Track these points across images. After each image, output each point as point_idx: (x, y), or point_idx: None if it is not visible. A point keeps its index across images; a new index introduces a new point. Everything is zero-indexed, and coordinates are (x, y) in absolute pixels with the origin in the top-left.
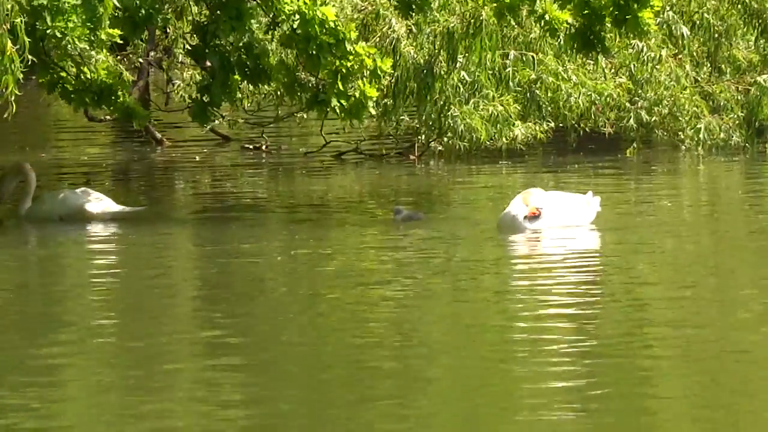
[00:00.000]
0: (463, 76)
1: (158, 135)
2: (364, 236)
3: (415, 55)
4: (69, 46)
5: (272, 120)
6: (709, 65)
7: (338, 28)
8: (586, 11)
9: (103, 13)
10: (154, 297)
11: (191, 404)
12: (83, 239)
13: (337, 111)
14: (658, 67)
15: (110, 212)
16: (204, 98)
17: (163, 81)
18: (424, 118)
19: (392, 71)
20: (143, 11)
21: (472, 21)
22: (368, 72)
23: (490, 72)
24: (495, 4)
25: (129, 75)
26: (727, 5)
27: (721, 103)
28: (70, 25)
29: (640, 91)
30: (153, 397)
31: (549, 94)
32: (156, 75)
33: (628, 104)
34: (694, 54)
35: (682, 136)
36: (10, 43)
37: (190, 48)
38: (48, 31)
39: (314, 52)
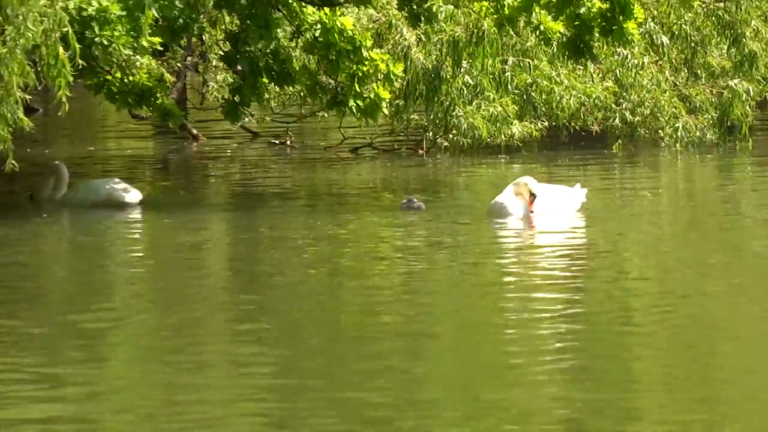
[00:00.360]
0: (466, 79)
1: (194, 131)
2: (376, 220)
3: (424, 61)
4: (114, 52)
5: (296, 118)
6: (686, 71)
7: (355, 36)
8: (576, 22)
9: (145, 23)
10: (187, 273)
11: (221, 366)
12: (121, 223)
13: (354, 110)
14: (640, 72)
15: (135, 199)
16: (235, 98)
17: (199, 83)
18: (431, 117)
19: (403, 75)
20: (181, 21)
21: (475, 31)
22: (382, 76)
23: (491, 76)
24: (495, 16)
25: (169, 77)
26: (703, 17)
27: (697, 105)
28: (116, 33)
29: (624, 94)
30: (187, 358)
31: (543, 96)
32: (192, 77)
33: (613, 105)
34: (673, 61)
35: (662, 134)
36: (62, 50)
37: (223, 54)
38: (95, 39)
39: (334, 58)
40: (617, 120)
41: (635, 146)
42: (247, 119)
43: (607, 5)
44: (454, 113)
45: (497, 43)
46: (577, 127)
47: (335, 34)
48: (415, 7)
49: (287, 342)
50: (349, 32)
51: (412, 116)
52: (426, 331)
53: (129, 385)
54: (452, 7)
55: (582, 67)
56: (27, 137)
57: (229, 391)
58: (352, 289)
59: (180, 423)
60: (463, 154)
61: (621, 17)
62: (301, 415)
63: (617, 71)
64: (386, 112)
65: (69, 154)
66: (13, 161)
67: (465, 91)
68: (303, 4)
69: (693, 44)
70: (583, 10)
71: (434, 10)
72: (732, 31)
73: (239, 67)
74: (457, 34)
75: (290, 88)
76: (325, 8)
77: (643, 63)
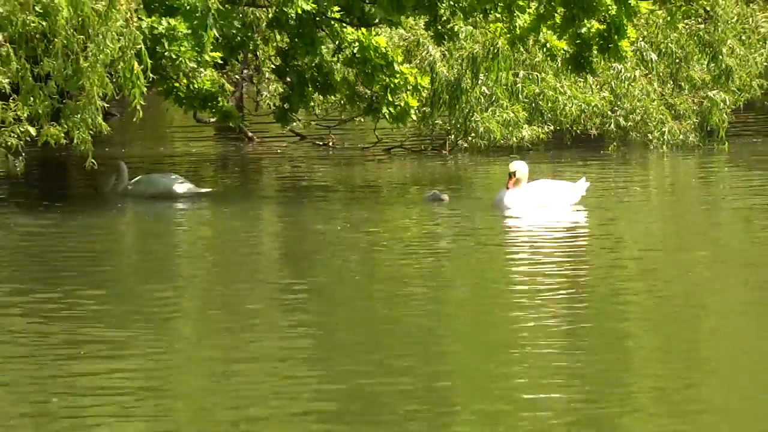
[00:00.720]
0: (483, 90)
1: (249, 133)
2: (405, 210)
3: (447, 74)
4: (181, 65)
5: (337, 123)
6: (671, 83)
7: (388, 52)
8: (578, 41)
9: (207, 40)
10: (241, 253)
11: (270, 333)
12: (185, 212)
13: (387, 116)
14: (632, 84)
15: (188, 191)
16: (285, 105)
17: (254, 92)
18: (453, 122)
19: (429, 86)
20: (238, 38)
21: (491, 48)
22: (411, 87)
23: (504, 87)
24: (508, 35)
25: (228, 86)
26: (686, 37)
27: (681, 112)
28: (182, 49)
29: (618, 102)
30: (239, 324)
31: (549, 104)
32: (248, 87)
33: (609, 112)
34: (660, 74)
35: (651, 137)
36: (136, 64)
37: (274, 67)
38: (165, 54)
39: (369, 71)
40: (612, 125)
41: (628, 147)
42: (294, 123)
43: (604, 26)
44: (472, 119)
45: (510, 59)
46: (578, 131)
47: (371, 51)
48: (439, 27)
49: (326, 310)
50: (383, 49)
51: (436, 121)
52: (447, 298)
53: (190, 347)
54: (471, 27)
55: (582, 80)
56: (105, 139)
57: (276, 353)
58: (384, 266)
59: (233, 379)
60: (480, 154)
61: (616, 37)
62: (336, 369)
63: (612, 83)
64: (414, 117)
65: (141, 153)
66: (93, 159)
67: (482, 100)
68: (343, 25)
69: (677, 60)
70: (583, 30)
71: (456, 30)
72: (711, 49)
73: (288, 79)
74: (475, 50)
75: (332, 96)
76: (362, 28)
77: (634, 76)
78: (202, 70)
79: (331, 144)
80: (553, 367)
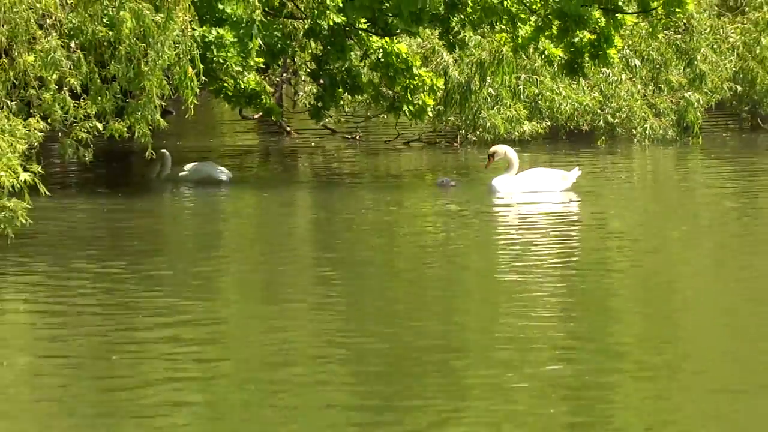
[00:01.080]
0: (489, 91)
1: (287, 128)
2: (421, 194)
3: (458, 77)
4: (228, 68)
5: (363, 119)
6: (652, 85)
7: (408, 58)
8: (571, 49)
9: (252, 48)
10: (279, 231)
11: (302, 301)
12: (229, 196)
13: (407, 113)
14: (619, 86)
15: (226, 177)
16: (318, 104)
17: (292, 92)
18: (464, 118)
19: (443, 87)
20: (279, 46)
21: (496, 55)
22: (427, 88)
23: (508, 88)
24: (511, 44)
25: (270, 87)
26: (665, 46)
27: (661, 111)
28: (229, 55)
29: (606, 102)
30: (275, 293)
31: (546, 103)
32: (287, 88)
33: (599, 110)
34: (643, 78)
35: (635, 132)
36: (190, 68)
37: (309, 71)
38: (214, 59)
39: (392, 74)
40: (601, 121)
41: (614, 141)
42: (327, 119)
43: (595, 36)
44: (480, 116)
45: (512, 64)
46: (571, 127)
47: (393, 57)
48: (451, 37)
49: (352, 277)
50: (403, 55)
51: (449, 118)
52: (454, 264)
53: (235, 314)
54: (479, 37)
55: (575, 82)
56: (163, 133)
57: (307, 317)
58: (402, 240)
59: (271, 338)
60: (487, 146)
61: (605, 45)
62: (359, 324)
63: (601, 85)
64: (430, 114)
65: (194, 145)
66: (152, 150)
67: (488, 99)
68: (369, 34)
69: (658, 65)
70: (576, 39)
71: (466, 39)
72: (687, 56)
73: (321, 81)
74: (482, 57)
75: (359, 96)
76: (385, 38)
77: (620, 79)
78: (246, 73)
79: (358, 137)
80: (545, 310)
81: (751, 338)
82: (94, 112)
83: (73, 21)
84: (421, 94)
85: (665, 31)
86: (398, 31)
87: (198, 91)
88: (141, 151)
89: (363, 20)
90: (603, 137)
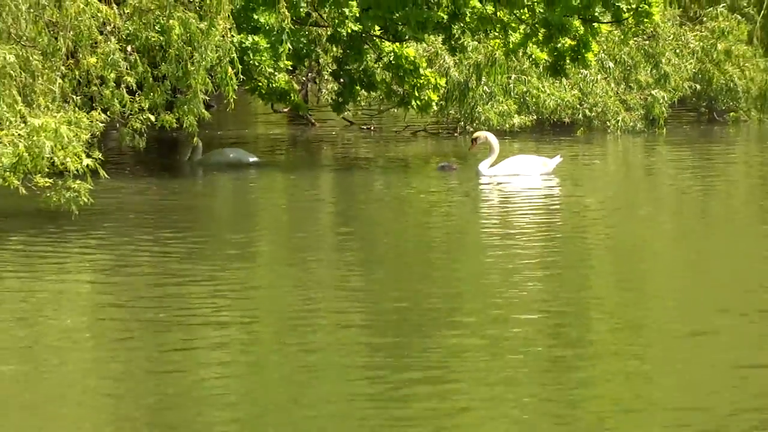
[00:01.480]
0: (484, 89)
1: (312, 120)
2: (425, 176)
3: (458, 77)
4: (262, 70)
5: (377, 112)
6: (624, 84)
7: (415, 60)
8: (555, 53)
9: (282, 52)
10: (303, 207)
11: (327, 263)
12: (259, 178)
13: (414, 107)
14: (595, 84)
15: (252, 161)
16: (339, 99)
17: (316, 89)
18: (462, 112)
19: (445, 86)
20: (305, 50)
21: (490, 57)
22: (432, 85)
23: (500, 86)
24: (503, 48)
25: (297, 86)
26: (635, 50)
27: (631, 106)
28: (263, 58)
29: (585, 98)
30: (302, 259)
31: (533, 99)
32: (311, 86)
33: (578, 105)
34: (616, 77)
35: (609, 124)
36: (229, 68)
37: (331, 71)
38: (250, 61)
39: (401, 74)
40: (580, 115)
41: (591, 132)
42: (346, 113)
43: (575, 42)
44: (476, 110)
45: (504, 66)
46: (554, 119)
47: (402, 59)
48: (452, 42)
49: (366, 246)
50: (411, 58)
51: (450, 111)
52: (452, 235)
53: (269, 284)
54: (476, 42)
55: (558, 81)
56: (206, 124)
57: (330, 278)
58: (409, 215)
59: (297, 298)
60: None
61: (584, 50)
62: (373, 285)
63: (580, 84)
64: (434, 108)
65: (233, 134)
66: (197, 138)
67: (483, 96)
68: (382, 40)
69: (628, 67)
70: (559, 45)
71: (465, 44)
72: (653, 59)
73: (341, 80)
74: (479, 59)
75: (373, 93)
76: (396, 43)
77: (597, 79)
78: (277, 73)
79: (372, 128)
80: (529, 273)
81: (705, 290)
82: (147, 106)
83: (130, 28)
84: (427, 91)
85: (635, 38)
86: (407, 37)
87: (236, 88)
88: (185, 139)
89: (377, 28)
90: (581, 128)
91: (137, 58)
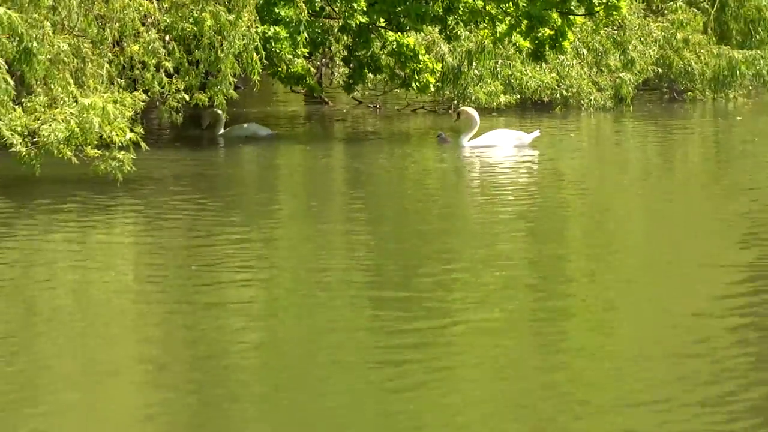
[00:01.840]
0: (475, 72)
1: (326, 99)
2: (424, 147)
3: (452, 62)
4: (282, 56)
5: (382, 92)
6: (596, 68)
7: (415, 48)
8: (536, 41)
9: (300, 40)
10: (318, 175)
11: (335, 220)
12: (278, 149)
13: (414, 88)
14: (571, 68)
15: (268, 134)
16: (349, 81)
17: (329, 73)
18: (456, 92)
19: (441, 70)
20: (319, 39)
21: (480, 45)
22: (429, 69)
23: (489, 70)
24: (491, 37)
25: (313, 70)
26: (605, 39)
27: (602, 87)
28: (283, 46)
29: (562, 80)
30: (316, 217)
31: (517, 81)
32: (325, 70)
33: (556, 86)
34: (589, 62)
35: (583, 103)
36: (254, 55)
37: (342, 57)
38: (272, 49)
39: (403, 60)
40: (558, 95)
41: (567, 109)
42: (355, 93)
43: (553, 32)
44: (468, 90)
45: (492, 52)
46: (535, 99)
47: (404, 47)
48: (447, 32)
49: (373, 207)
50: (412, 46)
51: (445, 92)
52: (446, 196)
53: (287, 236)
54: (468, 32)
55: (539, 65)
56: (234, 103)
57: (340, 233)
58: (409, 179)
59: (312, 249)
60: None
61: (561, 39)
62: (379, 239)
63: (558, 68)
64: (432, 89)
65: (256, 111)
66: (227, 114)
67: (474, 79)
68: (386, 30)
69: (599, 53)
70: (540, 34)
71: (458, 34)
72: (621, 46)
73: (351, 64)
74: (470, 47)
75: (379, 75)
76: (398, 33)
77: (572, 63)
78: (295, 59)
79: (378, 106)
80: (512, 226)
81: (664, 244)
82: (183, 87)
83: (167, 20)
84: (425, 74)
85: (605, 28)
86: (408, 28)
87: (260, 72)
88: (206, 113)
89: (382, 20)
90: (559, 106)
91: (174, 45)
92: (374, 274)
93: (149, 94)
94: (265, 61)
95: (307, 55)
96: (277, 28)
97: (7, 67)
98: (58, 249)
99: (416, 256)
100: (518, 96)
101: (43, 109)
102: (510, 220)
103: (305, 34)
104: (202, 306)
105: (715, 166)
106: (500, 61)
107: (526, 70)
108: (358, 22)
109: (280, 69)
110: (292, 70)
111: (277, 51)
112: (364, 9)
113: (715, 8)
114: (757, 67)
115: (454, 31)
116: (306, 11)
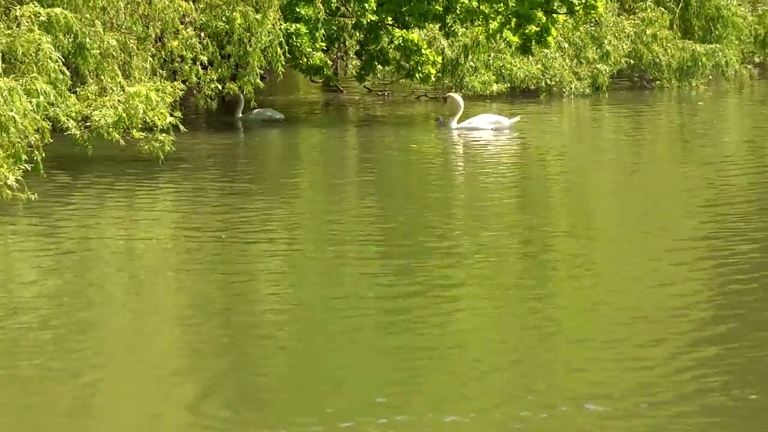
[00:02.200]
0: (471, 64)
1: (340, 88)
2: (425, 129)
3: (451, 55)
4: (302, 50)
5: (390, 81)
6: (576, 60)
7: (418, 43)
8: (524, 37)
9: (318, 36)
10: (333, 154)
11: (349, 193)
12: (296, 132)
13: (417, 78)
14: (554, 60)
15: (280, 118)
16: (362, 72)
17: (343, 64)
18: (454, 82)
19: (441, 62)
20: (335, 35)
21: (475, 40)
22: (431, 62)
23: (483, 62)
24: (485, 33)
25: (329, 62)
26: (584, 34)
27: (581, 76)
28: (303, 41)
29: (547, 71)
30: (331, 192)
31: (508, 72)
32: (340, 63)
33: (541, 76)
34: (570, 55)
35: (564, 90)
36: (279, 49)
37: (355, 51)
38: (294, 44)
39: (408, 53)
40: (543, 83)
41: (552, 96)
42: (366, 82)
43: (539, 29)
44: (465, 80)
45: (486, 46)
46: (523, 87)
47: (409, 42)
48: (446, 29)
49: (381, 181)
50: (415, 41)
51: (445, 81)
52: (445, 171)
53: (307, 209)
54: (464, 29)
55: (527, 58)
56: (261, 91)
57: (352, 205)
58: (412, 157)
59: (329, 220)
60: (468, 100)
61: (545, 34)
62: (394, 213)
63: (543, 60)
64: (433, 79)
65: (280, 99)
66: (255, 102)
67: (470, 70)
68: (393, 27)
69: (579, 47)
70: (527, 31)
71: (456, 30)
72: (598, 41)
73: (363, 57)
74: (466, 42)
75: (387, 67)
76: (404, 29)
77: (555, 56)
78: (314, 53)
79: (386, 94)
80: (498, 195)
81: (635, 214)
82: (216, 78)
83: (203, 19)
84: (427, 66)
85: (584, 25)
86: (412, 25)
87: (283, 64)
88: (232, 99)
89: (389, 18)
90: (544, 93)
91: (208, 41)
92: (384, 244)
93: (187, 83)
94: (287, 54)
95: (324, 49)
96: (298, 26)
97: (63, 60)
98: (108, 218)
99: (415, 224)
100: (508, 85)
101: (94, 97)
102: (495, 188)
103: (323, 31)
104: (231, 270)
105: (679, 145)
106: (493, 54)
107: (515, 62)
108: (368, 20)
109: (300, 61)
110: (311, 62)
111: (298, 45)
112: (374, 8)
113: (680, 7)
114: (717, 59)
115: (452, 28)
116: (323, 10)
